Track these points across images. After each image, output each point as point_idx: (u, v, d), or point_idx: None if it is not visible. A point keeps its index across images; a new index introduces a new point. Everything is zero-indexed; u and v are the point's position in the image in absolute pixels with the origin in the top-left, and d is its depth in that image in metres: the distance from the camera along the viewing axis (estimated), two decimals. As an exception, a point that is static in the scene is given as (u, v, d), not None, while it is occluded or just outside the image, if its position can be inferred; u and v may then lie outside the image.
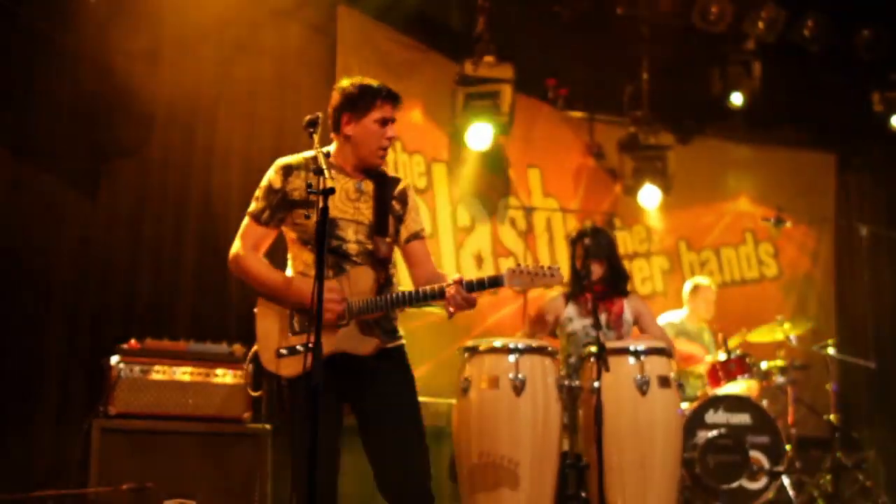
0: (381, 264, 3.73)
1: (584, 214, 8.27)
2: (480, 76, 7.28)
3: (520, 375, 4.68)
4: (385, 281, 3.73)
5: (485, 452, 4.65)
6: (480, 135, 7.37)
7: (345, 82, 3.75)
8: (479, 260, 7.89)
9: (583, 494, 4.76)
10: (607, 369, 4.61)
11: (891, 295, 8.99)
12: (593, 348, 4.75)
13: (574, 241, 5.53)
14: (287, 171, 3.70)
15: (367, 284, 3.64)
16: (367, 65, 6.97)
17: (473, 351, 4.84)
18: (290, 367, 3.57)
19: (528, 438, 4.67)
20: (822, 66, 8.44)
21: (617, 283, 5.49)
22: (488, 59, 7.27)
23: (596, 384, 4.59)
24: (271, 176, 3.72)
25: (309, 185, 3.40)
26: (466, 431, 4.73)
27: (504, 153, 8.10)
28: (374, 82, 3.71)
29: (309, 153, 3.70)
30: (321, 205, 3.24)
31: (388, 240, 3.76)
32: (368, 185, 3.77)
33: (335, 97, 3.74)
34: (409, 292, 3.64)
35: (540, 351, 4.84)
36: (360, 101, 3.68)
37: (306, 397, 3.14)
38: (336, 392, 3.56)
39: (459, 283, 3.53)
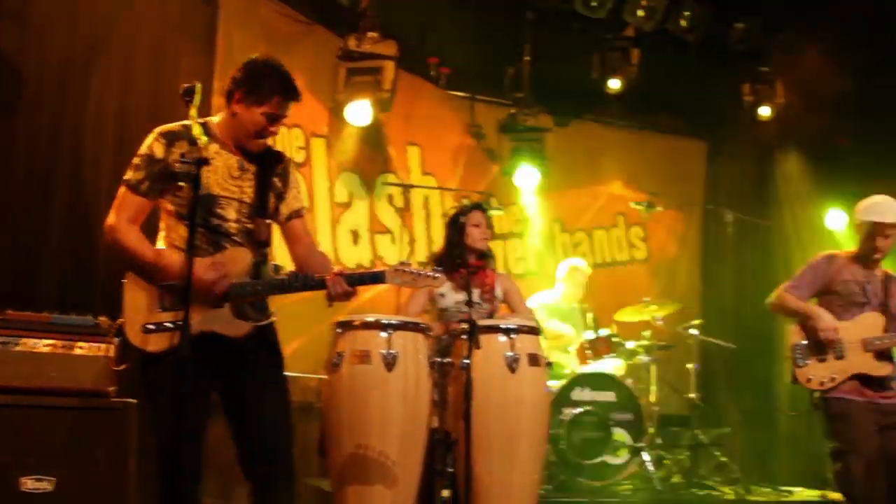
0: (260, 245, 3.69)
1: (462, 193, 8.35)
2: (363, 52, 7.26)
3: (392, 351, 4.71)
4: (262, 262, 3.69)
5: (355, 428, 4.67)
6: (361, 111, 7.36)
7: (256, 61, 3.65)
8: (356, 236, 7.89)
9: (450, 469, 4.83)
10: (478, 346, 4.68)
11: (753, 279, 9.35)
12: (464, 325, 4.82)
13: (455, 218, 5.56)
14: (170, 139, 3.57)
15: (244, 266, 3.60)
16: (250, 36, 6.87)
17: (346, 326, 4.85)
18: (157, 343, 3.49)
19: (399, 413, 4.70)
20: (698, 55, 8.67)
21: (487, 258, 5.58)
22: (372, 35, 7.26)
23: (466, 361, 4.66)
24: (152, 144, 3.59)
25: (182, 155, 3.35)
26: (337, 406, 4.74)
27: (384, 130, 8.11)
28: (283, 70, 3.62)
29: (190, 122, 3.63)
30: (194, 175, 3.16)
31: (268, 221, 3.72)
32: (251, 164, 3.70)
33: (240, 69, 3.64)
34: (288, 281, 3.61)
35: (413, 327, 4.88)
36: (258, 89, 3.59)
37: (171, 374, 3.09)
38: (203, 372, 3.50)
39: (340, 275, 3.54)
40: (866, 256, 5.07)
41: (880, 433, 4.85)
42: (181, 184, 3.49)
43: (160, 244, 3.66)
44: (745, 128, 9.38)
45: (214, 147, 3.64)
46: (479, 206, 5.65)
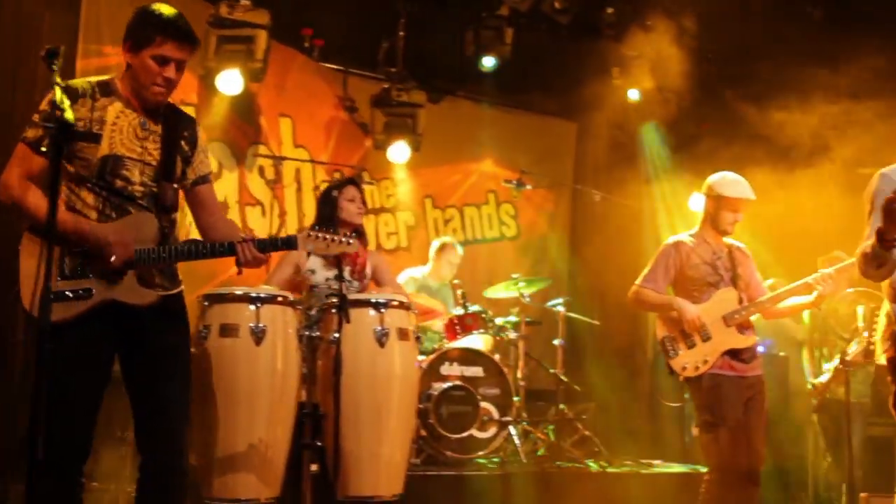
0: (167, 210, 3.57)
1: (334, 167, 8.28)
2: (235, 19, 7.11)
3: (260, 324, 4.65)
4: (169, 228, 3.58)
5: (222, 402, 4.60)
6: (232, 80, 7.22)
7: (143, 7, 3.51)
8: (225, 207, 7.73)
9: (318, 443, 4.81)
10: (348, 321, 4.67)
11: (617, 258, 9.58)
12: (335, 299, 4.79)
13: (329, 191, 5.50)
14: (72, 97, 3.39)
15: (151, 232, 3.48)
16: (115, -1, 6.66)
17: (213, 298, 4.76)
18: (55, 313, 3.36)
19: (267, 388, 4.64)
20: (570, 37, 8.81)
21: (360, 235, 5.56)
22: (244, 2, 7.12)
23: (336, 335, 4.64)
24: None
25: (44, 113, 3.22)
26: (203, 380, 4.64)
27: (256, 100, 7.98)
28: (166, 12, 3.48)
29: (95, 78, 3.48)
30: (56, 137, 2.99)
31: (175, 185, 3.60)
32: (157, 124, 3.57)
33: (130, 18, 3.51)
34: (196, 247, 3.51)
35: (282, 301, 4.83)
36: (140, 31, 3.46)
37: (70, 344, 3.03)
38: (106, 342, 3.41)
39: (251, 241, 3.46)
40: (714, 231, 5.24)
41: (745, 403, 5.05)
42: (84, 144, 3.38)
43: (62, 208, 3.46)
44: (613, 110, 9.58)
45: (118, 106, 3.52)
46: (353, 181, 5.61)
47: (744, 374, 5.09)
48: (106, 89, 3.51)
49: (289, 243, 3.62)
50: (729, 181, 5.20)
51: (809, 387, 7.10)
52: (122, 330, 3.47)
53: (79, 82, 3.50)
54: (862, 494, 5.61)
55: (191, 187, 3.72)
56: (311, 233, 3.57)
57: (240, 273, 3.52)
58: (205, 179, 3.74)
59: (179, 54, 3.48)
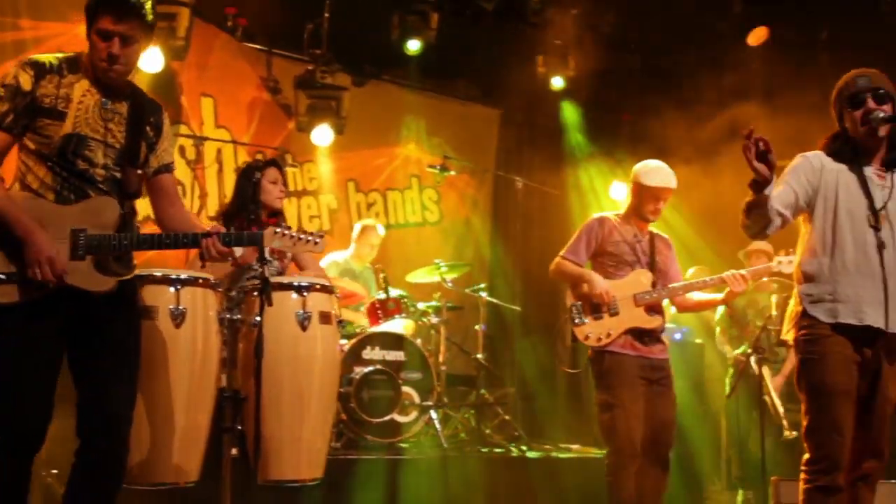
0: (129, 196, 3.49)
1: (256, 148, 8.19)
2: (156, -4, 6.97)
3: (180, 307, 4.58)
4: (131, 214, 3.50)
5: (141, 386, 4.52)
6: (152, 57, 7.07)
7: None
8: (144, 187, 7.60)
9: (239, 427, 4.77)
10: (270, 304, 4.62)
11: (538, 244, 9.67)
12: (257, 282, 4.74)
13: (250, 172, 5.42)
14: (39, 71, 3.31)
15: (111, 218, 3.40)
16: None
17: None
18: (5, 295, 3.27)
19: (186, 371, 4.58)
20: (495, 24, 8.83)
21: (279, 217, 5.52)
22: (167, -21, 6.99)
23: (257, 318, 4.59)
24: (19, 74, 3.32)
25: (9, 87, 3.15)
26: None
27: (177, 79, 7.84)
28: None
29: (63, 54, 3.38)
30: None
31: (139, 171, 3.51)
32: (123, 107, 3.49)
33: None
34: (159, 237, 3.44)
35: (203, 283, 4.76)
36: (88, 7, 3.37)
37: (18, 328, 3.00)
38: (58, 326, 3.32)
39: (216, 234, 3.39)
40: (637, 217, 5.33)
41: (648, 387, 5.14)
42: (48, 121, 3.29)
43: (16, 187, 3.40)
44: (536, 97, 9.65)
45: (85, 83, 3.44)
46: (275, 163, 5.55)
47: (646, 355, 5.17)
48: (74, 66, 3.42)
49: (254, 239, 3.57)
50: (650, 169, 5.29)
51: (729, 361, 7.26)
52: (75, 314, 3.40)
53: (46, 57, 3.40)
54: (772, 478, 5.74)
55: (153, 175, 3.64)
56: (278, 230, 3.52)
57: (203, 266, 3.48)
58: (168, 168, 3.67)
59: (119, 27, 3.34)
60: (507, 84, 9.69)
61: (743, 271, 5.13)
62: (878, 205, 3.97)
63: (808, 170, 4.04)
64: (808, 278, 4.02)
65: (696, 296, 5.39)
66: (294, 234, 3.56)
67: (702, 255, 8.54)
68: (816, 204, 4.03)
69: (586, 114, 9.88)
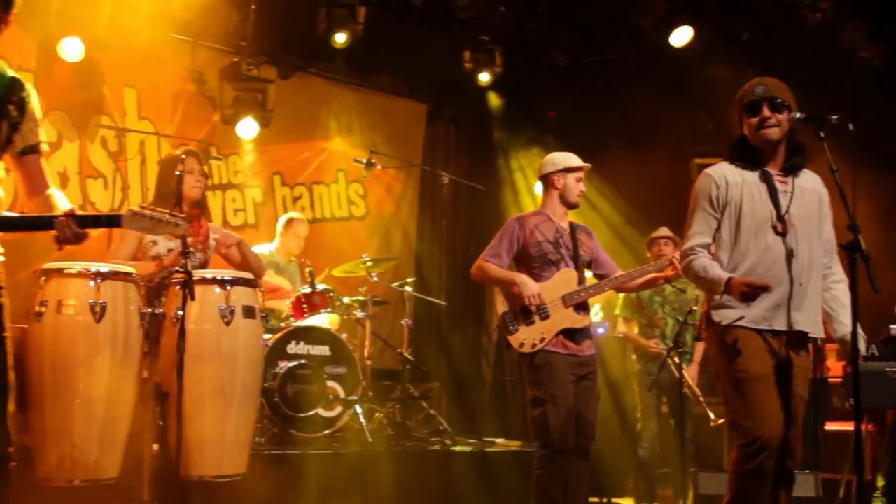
0: None
1: (179, 140, 8.07)
2: (76, -15, 6.85)
3: (101, 300, 4.52)
4: None
5: (59, 381, 4.46)
6: (74, 47, 6.95)
7: None
8: (65, 178, 7.45)
9: (160, 423, 4.72)
10: (193, 297, 4.58)
11: (465, 239, 9.73)
12: (179, 275, 4.69)
13: (169, 164, 5.36)
14: None
15: None
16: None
17: (51, 273, 4.60)
18: None
19: (107, 366, 4.53)
20: (423, 19, 8.84)
21: (202, 208, 5.47)
22: (86, -33, 6.86)
23: (180, 312, 4.55)
24: None
25: None
26: (39, 358, 4.50)
27: (100, 69, 7.68)
28: None
29: None
30: None
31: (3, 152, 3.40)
32: None
33: None
34: (13, 218, 3.33)
35: (124, 276, 4.70)
36: None
37: None
38: None
39: (71, 215, 3.30)
40: (564, 205, 5.40)
41: (576, 383, 5.21)
42: None
43: None
44: (464, 94, 9.68)
45: None
46: (193, 152, 5.50)
47: (576, 353, 5.25)
48: None
49: (112, 221, 3.49)
50: (558, 155, 5.45)
51: (641, 350, 7.34)
52: None
53: None
54: (691, 469, 5.87)
55: (19, 155, 3.52)
56: (138, 211, 3.42)
57: (60, 249, 3.36)
58: (34, 149, 3.55)
59: None
60: (434, 79, 9.71)
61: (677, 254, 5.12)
62: (783, 210, 4.11)
63: (714, 190, 4.19)
64: None
65: (639, 278, 5.44)
66: (154, 215, 3.46)
67: (630, 243, 8.70)
68: (724, 217, 4.19)
69: (513, 109, 9.94)
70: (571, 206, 5.42)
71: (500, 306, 5.33)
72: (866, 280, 3.77)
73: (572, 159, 5.40)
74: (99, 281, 4.55)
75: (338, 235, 9.36)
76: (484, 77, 9.26)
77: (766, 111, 4.11)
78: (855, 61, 8.28)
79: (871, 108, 7.85)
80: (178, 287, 4.71)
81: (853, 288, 3.90)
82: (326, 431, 6.57)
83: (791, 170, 4.22)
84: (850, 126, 4.04)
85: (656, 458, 7.39)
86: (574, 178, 5.37)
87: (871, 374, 5.44)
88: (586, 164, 5.40)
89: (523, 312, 5.24)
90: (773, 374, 4.05)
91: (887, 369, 5.48)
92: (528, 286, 5.21)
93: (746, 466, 3.96)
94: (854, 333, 3.91)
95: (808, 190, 4.22)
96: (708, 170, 4.25)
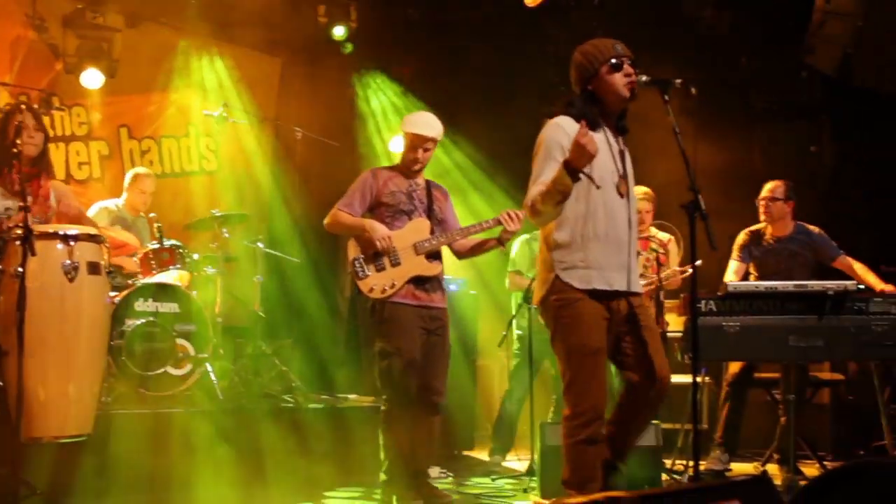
0: None
1: (19, 90, 7.72)
2: None
3: (-67, 257, 4.32)
4: None
5: None
6: None
7: None
8: None
9: (0, 384, 4.56)
10: (33, 253, 4.43)
11: (318, 195, 9.63)
12: (18, 230, 4.52)
13: (5, 118, 5.14)
14: None
15: None
16: None
17: None
18: None
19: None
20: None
21: (42, 163, 5.27)
22: None
23: (20, 269, 4.39)
24: None
25: None
26: None
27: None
28: None
29: None
30: None
31: None
32: None
33: None
34: None
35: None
36: None
37: None
38: None
39: None
40: (408, 167, 5.44)
41: (427, 336, 5.28)
42: None
43: None
44: (318, 47, 9.57)
45: None
46: (29, 107, 5.28)
47: (427, 304, 5.32)
48: None
49: None
50: (413, 119, 5.46)
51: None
52: None
53: None
54: (539, 421, 6.03)
55: None
56: None
57: None
58: None
59: None
60: (288, 33, 9.55)
61: (519, 211, 5.16)
62: (621, 171, 4.21)
63: (565, 140, 4.05)
64: (560, 246, 4.15)
65: (472, 240, 5.50)
66: None
67: (491, 201, 8.83)
68: None
69: (368, 65, 9.89)
70: (413, 171, 5.45)
71: (352, 252, 5.33)
72: (706, 237, 3.93)
73: (418, 124, 5.38)
74: (-69, 236, 4.35)
75: (188, 190, 9.15)
76: (338, 31, 9.18)
77: (627, 68, 4.13)
78: (699, 27, 8.57)
79: (713, 74, 8.16)
80: (17, 243, 4.53)
81: (692, 246, 4.04)
82: (176, 390, 6.46)
83: (622, 131, 4.31)
84: (693, 90, 4.18)
85: (522, 415, 7.47)
86: (413, 143, 5.38)
87: (708, 329, 5.67)
88: (426, 134, 5.35)
89: (374, 258, 5.26)
90: (607, 341, 4.11)
91: (724, 324, 5.71)
92: (378, 230, 5.24)
93: (579, 437, 4.02)
94: (693, 291, 4.06)
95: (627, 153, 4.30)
96: (556, 120, 4.18)
